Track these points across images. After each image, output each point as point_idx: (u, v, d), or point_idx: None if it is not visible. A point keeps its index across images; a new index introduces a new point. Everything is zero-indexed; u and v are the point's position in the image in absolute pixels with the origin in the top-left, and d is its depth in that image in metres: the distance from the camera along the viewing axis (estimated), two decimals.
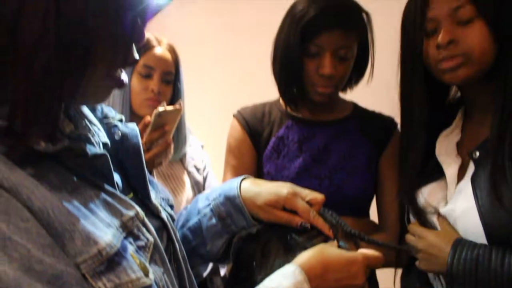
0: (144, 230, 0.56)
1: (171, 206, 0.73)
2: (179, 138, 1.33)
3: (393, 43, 0.95)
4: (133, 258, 0.50)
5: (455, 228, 0.85)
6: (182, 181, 1.36)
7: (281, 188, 0.72)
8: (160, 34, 1.30)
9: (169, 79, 1.30)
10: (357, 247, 0.72)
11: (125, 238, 0.52)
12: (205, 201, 0.78)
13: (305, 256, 0.63)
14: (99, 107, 0.66)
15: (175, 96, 1.33)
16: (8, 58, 0.44)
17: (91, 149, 0.54)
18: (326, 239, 0.70)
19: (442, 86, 0.95)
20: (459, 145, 0.92)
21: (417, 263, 0.90)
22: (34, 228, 0.41)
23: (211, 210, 0.75)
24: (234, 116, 1.22)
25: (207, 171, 1.47)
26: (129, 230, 0.53)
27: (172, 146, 1.15)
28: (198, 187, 1.40)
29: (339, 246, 0.68)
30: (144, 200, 0.64)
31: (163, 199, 0.71)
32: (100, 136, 0.61)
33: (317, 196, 0.73)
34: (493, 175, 0.78)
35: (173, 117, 1.11)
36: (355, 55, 1.08)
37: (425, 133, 0.93)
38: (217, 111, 2.68)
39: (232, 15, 2.67)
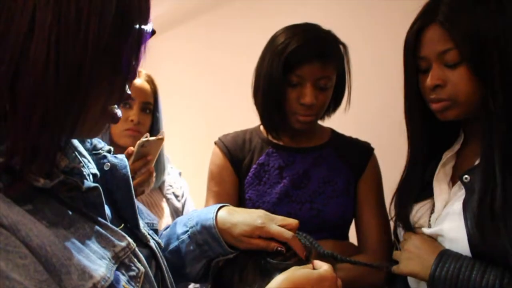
0: (135, 260, 0.57)
1: (156, 230, 0.74)
2: (158, 166, 1.34)
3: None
4: None
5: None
6: (161, 208, 1.38)
7: (255, 218, 0.75)
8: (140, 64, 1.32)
9: (148, 109, 1.33)
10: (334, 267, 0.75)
11: (117, 269, 0.52)
12: (183, 227, 0.80)
13: (278, 280, 0.64)
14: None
15: (154, 126, 1.35)
16: (6, 105, 0.44)
17: (84, 182, 0.55)
18: (300, 259, 0.73)
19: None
20: (454, 169, 0.95)
21: (394, 267, 0.91)
22: (32, 265, 0.42)
23: (189, 237, 0.78)
24: (215, 143, 1.23)
25: (185, 197, 1.49)
26: (121, 261, 0.54)
27: (154, 174, 1.16)
28: (177, 214, 1.41)
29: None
30: (133, 229, 0.65)
31: (147, 224, 0.72)
32: (89, 167, 0.62)
33: (291, 222, 0.76)
34: (481, 202, 0.80)
35: (155, 147, 1.13)
36: (333, 85, 1.13)
37: (424, 163, 0.96)
38: (194, 140, 2.70)
39: (210, 48, 2.71)
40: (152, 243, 0.66)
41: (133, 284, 0.54)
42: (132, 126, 1.27)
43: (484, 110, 0.82)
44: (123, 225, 0.63)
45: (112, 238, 0.54)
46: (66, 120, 0.47)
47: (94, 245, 0.51)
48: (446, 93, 0.85)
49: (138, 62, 0.53)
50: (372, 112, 1.81)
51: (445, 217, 0.88)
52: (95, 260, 0.49)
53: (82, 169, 0.58)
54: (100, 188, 0.56)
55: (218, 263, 0.77)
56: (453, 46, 0.83)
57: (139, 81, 1.30)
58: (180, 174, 1.54)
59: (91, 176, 0.60)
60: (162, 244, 0.74)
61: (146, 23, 0.52)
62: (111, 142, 1.27)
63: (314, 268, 0.69)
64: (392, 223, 1.03)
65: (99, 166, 0.65)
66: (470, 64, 0.82)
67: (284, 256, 0.73)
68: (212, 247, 0.76)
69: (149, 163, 1.12)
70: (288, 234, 0.73)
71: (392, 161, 1.36)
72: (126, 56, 0.50)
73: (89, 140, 0.67)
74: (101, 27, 0.46)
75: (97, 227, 0.53)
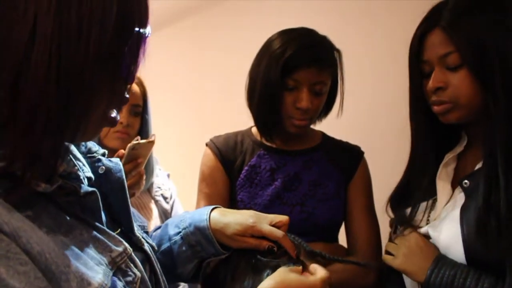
0: (131, 265, 0.56)
1: (147, 233, 0.74)
2: (148, 168, 1.33)
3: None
4: None
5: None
6: (150, 210, 1.37)
7: (247, 218, 0.77)
8: None
9: (137, 111, 1.32)
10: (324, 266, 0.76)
11: (114, 274, 0.52)
12: (175, 229, 0.81)
13: (268, 283, 0.65)
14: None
15: (143, 128, 1.35)
16: (7, 111, 0.43)
17: (82, 187, 0.54)
18: (290, 258, 0.75)
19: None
20: (456, 171, 0.96)
21: (389, 257, 0.92)
22: (32, 272, 0.41)
23: (182, 238, 0.79)
24: (207, 144, 1.23)
25: (174, 199, 1.49)
26: (117, 266, 0.54)
27: (145, 177, 1.16)
28: (166, 215, 1.41)
29: (303, 267, 0.72)
30: (128, 233, 0.64)
31: (139, 226, 0.71)
32: (84, 170, 0.61)
33: (282, 218, 0.79)
34: (484, 206, 0.80)
35: (146, 149, 1.13)
36: (328, 91, 1.14)
37: (426, 165, 0.96)
38: (184, 141, 2.68)
39: (200, 49, 2.70)
40: (146, 247, 0.66)
41: None
42: (121, 128, 1.26)
43: (485, 114, 0.83)
44: (119, 229, 0.62)
45: (109, 243, 0.54)
46: (67, 127, 0.46)
47: (91, 251, 0.51)
48: (448, 96, 0.86)
49: (137, 65, 0.53)
50: (363, 116, 1.83)
51: (444, 220, 0.88)
52: (93, 267, 0.49)
53: (78, 173, 0.58)
54: (98, 193, 0.56)
55: (209, 263, 0.79)
56: (454, 49, 0.84)
57: None
58: (168, 176, 1.54)
59: (85, 180, 0.60)
60: (156, 248, 0.74)
61: (145, 26, 0.52)
62: (99, 144, 1.26)
63: (308, 270, 0.70)
64: (388, 223, 1.03)
65: (94, 169, 0.64)
66: (470, 67, 0.83)
67: (275, 254, 0.76)
68: (204, 247, 0.77)
69: (139, 165, 1.12)
70: (279, 233, 0.76)
71: (382, 165, 1.38)
72: (126, 60, 0.50)
73: (83, 143, 0.66)
74: (102, 34, 0.45)
75: (94, 232, 0.53)
